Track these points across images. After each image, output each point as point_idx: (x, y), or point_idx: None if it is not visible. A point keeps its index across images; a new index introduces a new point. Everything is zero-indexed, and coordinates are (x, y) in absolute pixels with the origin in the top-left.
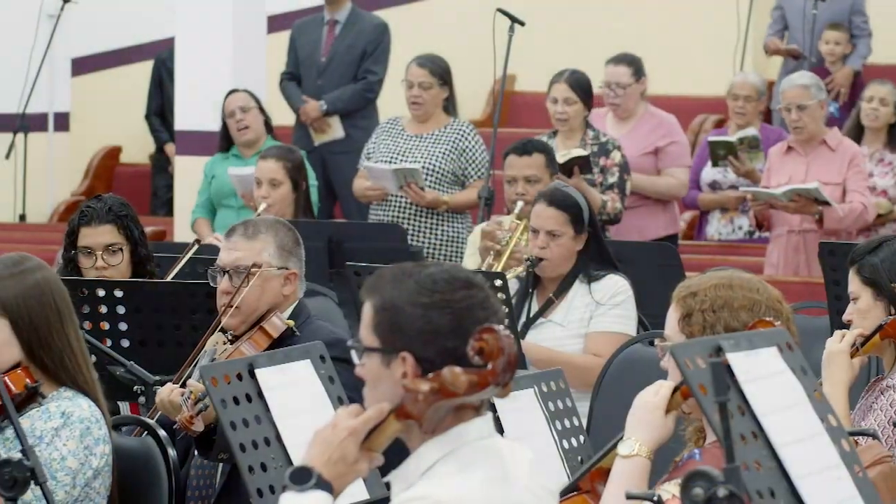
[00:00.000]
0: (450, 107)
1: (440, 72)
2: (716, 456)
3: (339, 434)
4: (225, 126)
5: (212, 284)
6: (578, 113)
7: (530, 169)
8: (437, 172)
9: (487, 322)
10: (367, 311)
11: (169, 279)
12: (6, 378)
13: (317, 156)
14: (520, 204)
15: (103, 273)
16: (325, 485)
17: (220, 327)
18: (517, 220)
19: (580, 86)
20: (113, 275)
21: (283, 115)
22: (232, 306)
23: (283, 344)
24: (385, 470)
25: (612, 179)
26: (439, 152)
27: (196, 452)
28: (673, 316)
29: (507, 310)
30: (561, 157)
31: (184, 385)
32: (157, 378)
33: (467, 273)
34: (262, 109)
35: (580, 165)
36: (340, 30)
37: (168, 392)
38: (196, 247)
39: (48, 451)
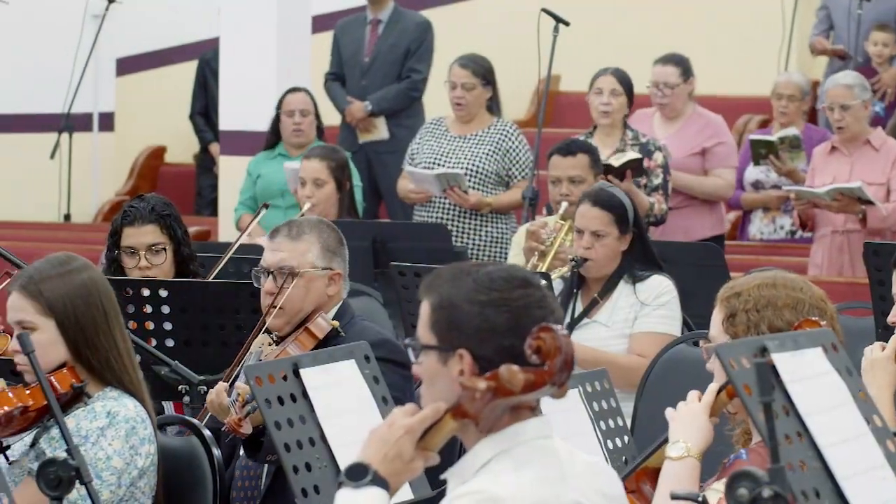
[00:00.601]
0: (493, 107)
1: (483, 72)
2: (761, 456)
3: (396, 432)
4: (276, 121)
5: (256, 285)
6: (622, 107)
7: (574, 169)
8: (481, 173)
9: (544, 321)
10: (425, 309)
11: (215, 273)
12: (52, 378)
13: (362, 155)
14: (564, 205)
15: (146, 273)
16: (380, 482)
17: (265, 328)
18: (561, 221)
19: (625, 81)
20: (156, 274)
21: (328, 116)
22: (276, 307)
23: (328, 344)
24: (439, 470)
25: (656, 181)
26: (483, 153)
27: (243, 453)
28: (717, 317)
29: None
30: (615, 160)
31: (231, 387)
32: (202, 378)
33: (525, 272)
34: (317, 115)
35: (633, 169)
36: (383, 29)
37: (217, 393)
38: (242, 237)
39: (94, 451)
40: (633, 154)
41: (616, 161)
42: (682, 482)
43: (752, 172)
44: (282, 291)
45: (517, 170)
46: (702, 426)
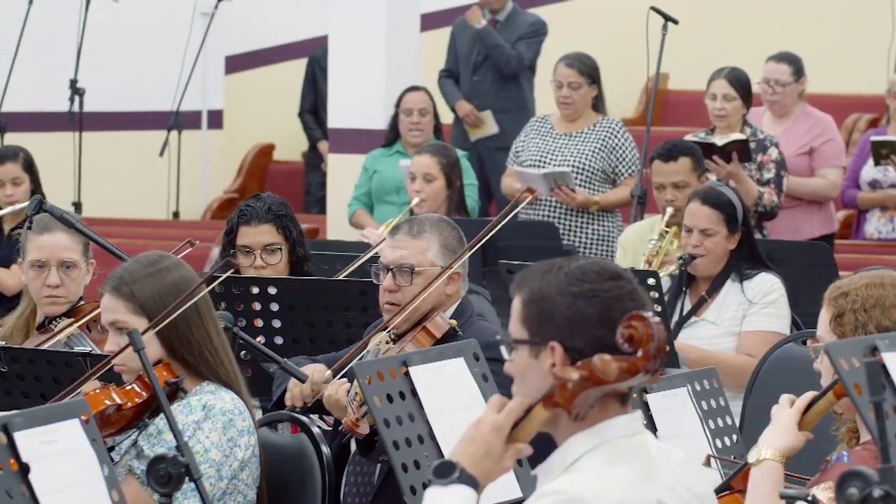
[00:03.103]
0: (599, 105)
1: (588, 71)
2: (863, 457)
3: (483, 429)
4: (394, 119)
5: (375, 282)
6: (737, 110)
7: (678, 175)
8: (588, 171)
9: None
10: (517, 305)
11: (348, 273)
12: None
13: (474, 154)
14: (669, 210)
15: (261, 272)
16: (468, 479)
17: (383, 327)
18: (667, 229)
19: (740, 83)
20: (270, 274)
21: (440, 113)
22: (393, 304)
23: (445, 343)
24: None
25: (768, 175)
26: (589, 150)
27: (356, 452)
28: (825, 317)
29: (659, 308)
30: (720, 141)
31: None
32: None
33: (616, 265)
34: (436, 114)
35: (739, 151)
36: (499, 29)
37: (335, 388)
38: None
39: (191, 445)
40: (737, 134)
41: (720, 141)
42: (760, 486)
43: (869, 171)
44: (401, 291)
45: (624, 167)
46: (787, 430)
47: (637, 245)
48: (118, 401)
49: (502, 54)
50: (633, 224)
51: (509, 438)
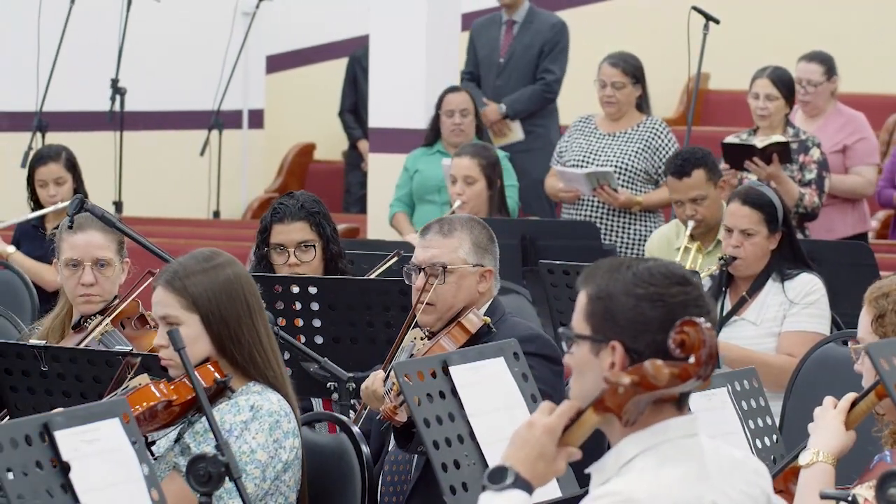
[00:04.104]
0: (643, 105)
1: (633, 70)
2: None
3: (535, 432)
4: (436, 119)
5: (407, 282)
6: (780, 109)
7: (694, 190)
8: (630, 171)
9: None
10: (582, 299)
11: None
12: (196, 372)
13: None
14: (691, 224)
15: (296, 270)
16: (522, 483)
17: (415, 324)
18: (688, 245)
19: (783, 82)
20: (305, 271)
21: None
22: (422, 303)
23: (479, 340)
24: (586, 464)
25: (809, 176)
26: (632, 151)
27: (392, 447)
28: (865, 318)
29: None
30: (760, 142)
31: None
32: (351, 375)
33: (684, 270)
34: (477, 114)
35: (780, 153)
36: (518, 30)
37: (373, 381)
38: (395, 259)
39: (237, 445)
40: (778, 136)
41: (760, 143)
42: (812, 487)
43: None
44: (430, 287)
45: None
46: (835, 431)
47: (663, 252)
48: (168, 396)
49: (542, 97)
50: (657, 230)
51: (560, 441)
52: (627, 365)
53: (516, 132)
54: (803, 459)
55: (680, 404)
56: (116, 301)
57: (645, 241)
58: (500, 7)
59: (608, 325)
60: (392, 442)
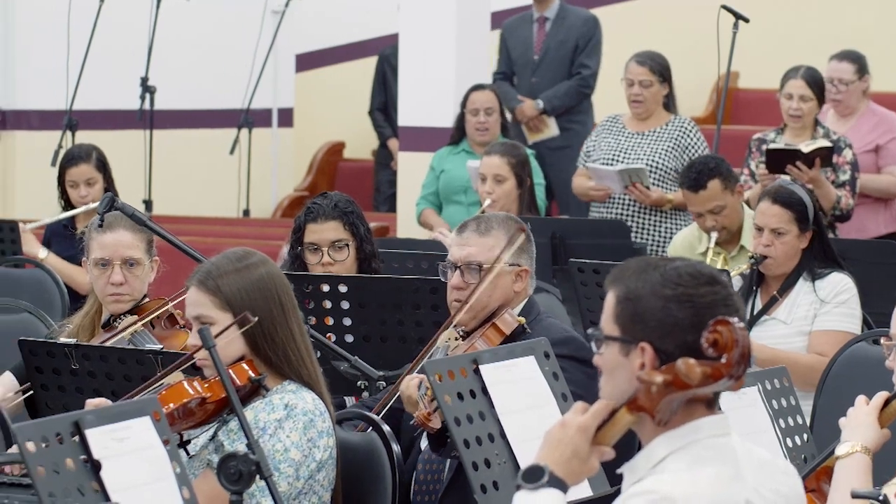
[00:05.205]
0: (669, 103)
1: (660, 69)
2: None
3: (569, 431)
4: (461, 118)
5: (442, 280)
6: (812, 110)
7: (711, 201)
8: (661, 170)
9: None
10: (610, 300)
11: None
12: (230, 371)
13: (535, 153)
14: (714, 235)
15: (329, 269)
16: (557, 482)
17: (452, 323)
18: (715, 257)
19: (815, 82)
20: (338, 271)
21: None
22: (460, 302)
23: (514, 341)
24: (617, 464)
25: (843, 177)
26: (662, 149)
27: (425, 447)
28: None
29: None
30: (805, 147)
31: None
32: (381, 373)
33: (712, 270)
34: (502, 112)
35: (822, 158)
36: (551, 26)
37: (406, 384)
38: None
39: (271, 443)
40: (824, 142)
41: (806, 147)
42: (852, 477)
43: None
44: (470, 288)
45: None
46: (870, 427)
47: (685, 256)
48: (202, 394)
49: (578, 92)
50: (679, 234)
51: (593, 440)
52: (657, 365)
53: (552, 128)
54: (840, 451)
55: (711, 404)
56: (146, 300)
57: None
58: (530, 5)
59: (637, 327)
60: (425, 442)
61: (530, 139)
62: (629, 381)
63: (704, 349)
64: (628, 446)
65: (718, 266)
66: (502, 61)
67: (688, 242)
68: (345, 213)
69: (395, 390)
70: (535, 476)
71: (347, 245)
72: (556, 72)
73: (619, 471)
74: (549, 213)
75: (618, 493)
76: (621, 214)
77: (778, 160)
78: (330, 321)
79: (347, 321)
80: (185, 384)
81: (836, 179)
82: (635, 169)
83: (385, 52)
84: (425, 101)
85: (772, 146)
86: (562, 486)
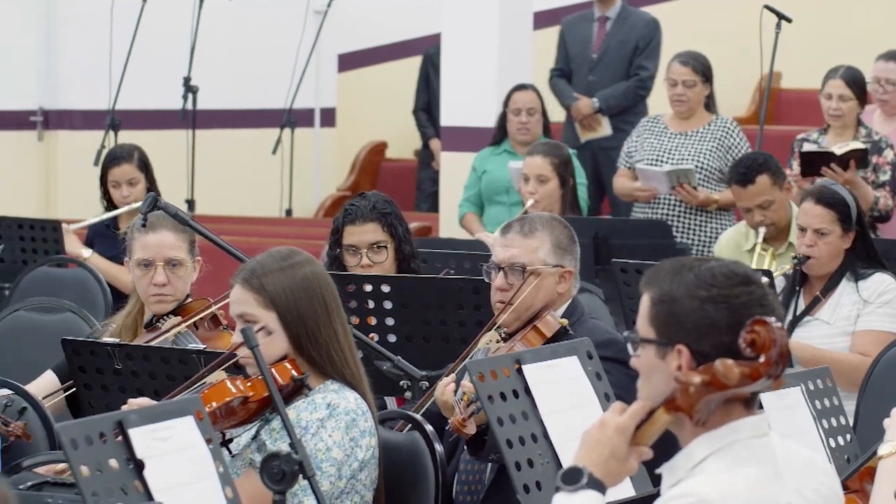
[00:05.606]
0: (710, 104)
1: (702, 69)
2: None
3: (607, 432)
4: (502, 118)
5: (486, 280)
6: (852, 110)
7: (760, 196)
8: (705, 170)
9: None
10: (645, 302)
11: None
12: (273, 370)
13: (587, 152)
14: (762, 231)
15: (368, 271)
16: (596, 483)
17: (496, 325)
18: (762, 252)
19: (855, 82)
20: (378, 272)
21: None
22: (505, 303)
23: (555, 342)
24: (657, 463)
25: (883, 178)
26: (706, 149)
27: (466, 451)
28: None
29: None
30: (838, 149)
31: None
32: (424, 373)
33: (747, 269)
34: (544, 112)
35: (857, 159)
36: (611, 26)
37: (442, 389)
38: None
39: (313, 442)
40: (857, 144)
41: (839, 150)
42: (894, 477)
43: None
44: (513, 290)
45: None
46: None
47: (733, 256)
48: (245, 393)
49: (635, 93)
50: (725, 233)
51: (632, 440)
52: (694, 366)
53: (605, 127)
54: (883, 450)
55: (749, 404)
56: (189, 300)
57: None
58: (588, 5)
59: (673, 329)
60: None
61: (583, 137)
62: (666, 383)
63: (742, 349)
64: (669, 447)
65: (766, 262)
66: (560, 58)
67: (734, 241)
68: (383, 215)
69: (430, 394)
70: (573, 478)
71: (386, 247)
72: (614, 71)
73: (657, 471)
74: (599, 212)
75: (657, 494)
76: (666, 215)
77: (811, 163)
78: (373, 321)
79: (390, 321)
80: (228, 383)
81: (875, 180)
82: (684, 170)
83: (429, 52)
84: (467, 101)
85: (805, 149)
86: (600, 487)
